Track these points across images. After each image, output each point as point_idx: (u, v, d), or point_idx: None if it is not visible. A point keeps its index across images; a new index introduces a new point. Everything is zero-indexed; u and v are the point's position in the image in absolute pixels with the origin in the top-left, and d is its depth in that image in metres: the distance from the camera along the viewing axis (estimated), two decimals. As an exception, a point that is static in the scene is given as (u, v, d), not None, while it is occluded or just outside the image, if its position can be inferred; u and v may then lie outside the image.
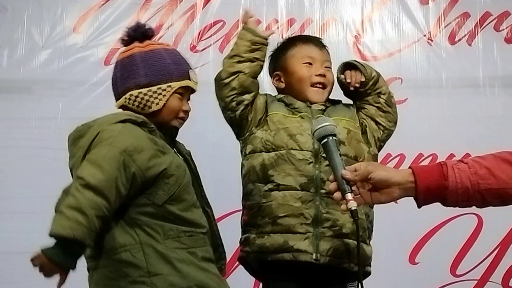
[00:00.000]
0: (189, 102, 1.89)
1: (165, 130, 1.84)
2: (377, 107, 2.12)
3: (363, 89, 2.10)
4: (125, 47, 1.89)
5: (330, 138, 1.52)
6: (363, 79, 2.09)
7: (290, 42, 2.20)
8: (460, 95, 3.13)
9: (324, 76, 2.10)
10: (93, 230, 1.60)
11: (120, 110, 1.86)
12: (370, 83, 2.10)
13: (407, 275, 2.96)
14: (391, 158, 3.06)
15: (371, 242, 2.09)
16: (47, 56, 3.13)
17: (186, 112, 1.87)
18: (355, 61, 2.18)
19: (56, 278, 1.64)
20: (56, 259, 1.59)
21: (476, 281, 2.98)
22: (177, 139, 1.93)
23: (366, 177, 1.45)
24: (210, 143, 2.93)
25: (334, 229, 1.94)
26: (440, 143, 3.05)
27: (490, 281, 2.98)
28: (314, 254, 1.93)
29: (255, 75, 2.08)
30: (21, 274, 2.89)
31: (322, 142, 1.54)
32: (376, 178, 1.44)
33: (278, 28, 3.17)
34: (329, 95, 2.15)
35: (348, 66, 2.14)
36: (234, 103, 2.06)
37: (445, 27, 3.18)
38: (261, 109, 2.07)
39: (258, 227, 2.00)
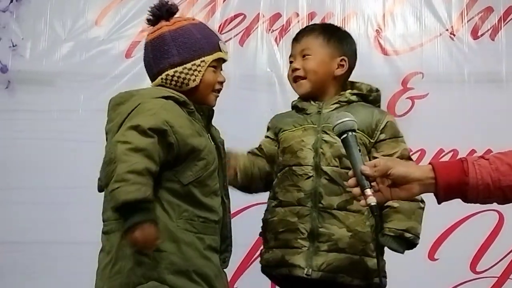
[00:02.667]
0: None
1: (203, 111, 1.85)
2: None
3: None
4: (153, 28, 1.89)
5: (350, 133, 1.51)
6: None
7: None
8: (482, 90, 3.09)
9: (298, 69, 2.07)
10: (152, 186, 1.62)
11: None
12: None
13: (426, 271, 2.94)
14: (411, 153, 3.02)
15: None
16: (69, 48, 3.16)
17: (222, 83, 1.89)
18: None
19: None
20: (143, 218, 1.59)
21: (496, 279, 2.95)
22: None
23: (385, 173, 1.44)
24: (228, 137, 2.92)
25: (329, 243, 1.93)
26: (461, 139, 3.02)
27: (511, 279, 2.95)
28: (306, 269, 1.93)
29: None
30: (40, 264, 2.95)
31: (342, 138, 1.52)
32: (396, 174, 1.43)
33: (298, 22, 3.16)
34: (317, 81, 2.07)
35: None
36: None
37: (468, 21, 3.14)
38: (274, 148, 2.09)
39: (266, 241, 2.05)
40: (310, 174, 1.98)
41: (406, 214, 1.94)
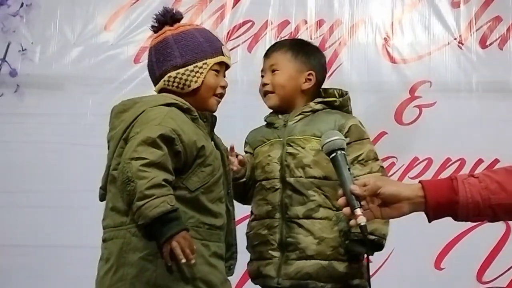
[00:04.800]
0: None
1: (206, 118, 1.86)
2: None
3: None
4: (156, 33, 1.91)
5: (339, 152, 1.50)
6: None
7: None
8: (490, 100, 3.09)
9: (266, 84, 2.13)
10: (173, 194, 1.65)
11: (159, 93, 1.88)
12: None
13: (432, 280, 2.94)
14: (418, 162, 3.04)
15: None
16: (78, 53, 3.18)
17: (224, 88, 1.90)
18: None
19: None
20: (177, 229, 1.62)
21: (503, 288, 2.95)
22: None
23: (375, 192, 1.43)
24: (237, 142, 2.93)
25: (297, 252, 2.00)
26: (469, 148, 3.01)
27: (517, 289, 2.94)
28: (276, 279, 2.01)
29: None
30: (50, 267, 2.96)
31: (331, 157, 1.53)
32: (386, 193, 1.43)
33: (307, 29, 3.17)
34: (285, 96, 2.12)
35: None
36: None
37: (476, 30, 3.15)
38: (252, 164, 2.13)
39: (249, 255, 2.12)
40: (277, 187, 2.05)
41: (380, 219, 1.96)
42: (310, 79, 2.13)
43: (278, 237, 2.02)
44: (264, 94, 2.15)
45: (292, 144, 2.06)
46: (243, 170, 2.07)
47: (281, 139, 2.09)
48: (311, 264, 1.99)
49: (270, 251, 2.02)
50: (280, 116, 2.14)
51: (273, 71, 2.13)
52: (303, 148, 2.04)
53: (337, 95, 2.15)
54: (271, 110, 2.18)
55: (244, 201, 2.15)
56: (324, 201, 2.02)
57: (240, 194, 2.09)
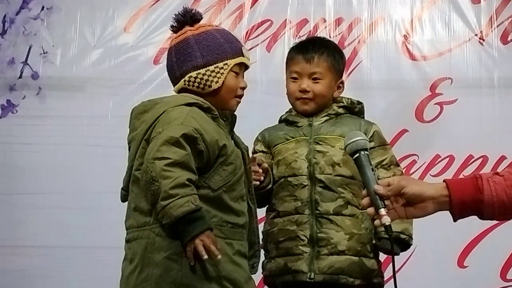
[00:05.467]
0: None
1: (226, 117, 1.86)
2: None
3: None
4: (177, 33, 1.91)
5: (362, 152, 1.50)
6: None
7: (289, 51, 2.23)
8: (513, 96, 3.06)
9: (307, 91, 2.13)
10: (197, 194, 1.66)
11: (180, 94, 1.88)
12: None
13: (455, 278, 2.91)
14: (440, 159, 3.02)
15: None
16: (98, 55, 3.20)
17: (243, 89, 1.90)
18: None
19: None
20: (201, 228, 1.63)
21: (527, 286, 2.91)
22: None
23: (399, 192, 1.43)
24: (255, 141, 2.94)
25: (329, 247, 2.02)
26: (491, 145, 2.99)
27: (542, 287, 2.91)
28: (309, 273, 2.01)
29: None
30: (71, 268, 2.98)
31: (354, 157, 1.52)
32: (410, 193, 1.42)
33: (326, 27, 3.16)
34: (323, 103, 2.15)
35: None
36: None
37: (497, 26, 3.11)
38: (270, 162, 2.14)
39: (268, 252, 2.11)
40: (305, 184, 2.07)
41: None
42: (340, 87, 2.19)
43: (308, 233, 2.03)
44: (300, 99, 2.14)
45: (321, 142, 2.09)
46: (268, 178, 2.09)
47: (308, 137, 2.11)
48: (343, 259, 2.02)
49: (300, 247, 2.03)
50: (302, 115, 2.16)
51: (315, 79, 2.14)
52: (332, 146, 2.07)
53: (349, 102, 2.19)
54: (289, 109, 2.19)
55: (264, 205, 2.16)
56: (352, 198, 2.05)
57: (262, 200, 2.11)
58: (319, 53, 2.15)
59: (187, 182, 1.64)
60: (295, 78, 2.15)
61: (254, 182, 1.97)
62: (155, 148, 1.67)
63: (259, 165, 2.04)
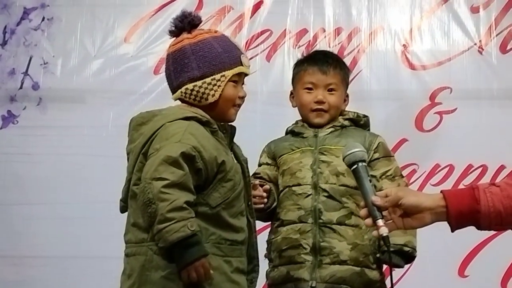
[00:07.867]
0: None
1: (225, 129, 1.85)
2: None
3: None
4: (174, 40, 1.88)
5: (360, 164, 1.51)
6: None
7: (300, 63, 2.24)
8: (512, 105, 3.07)
9: (323, 102, 2.15)
10: (194, 216, 1.65)
11: (178, 102, 1.87)
12: None
13: (456, 288, 2.91)
14: (440, 168, 3.02)
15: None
16: (99, 65, 3.21)
17: (242, 98, 1.87)
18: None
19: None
20: (197, 255, 1.63)
21: (528, 296, 2.91)
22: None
23: (396, 203, 1.44)
24: (257, 151, 2.94)
25: (331, 256, 2.03)
26: (491, 154, 2.99)
27: (543, 296, 2.90)
28: (311, 282, 2.02)
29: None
30: (73, 278, 2.98)
31: (352, 168, 1.53)
32: (407, 204, 1.43)
33: (325, 37, 3.17)
34: (335, 115, 2.18)
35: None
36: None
37: (496, 35, 3.12)
38: (276, 173, 2.17)
39: (271, 261, 2.13)
40: (309, 193, 2.08)
41: (402, 229, 1.98)
42: (345, 100, 2.23)
43: (311, 241, 2.04)
44: (316, 110, 2.16)
45: (325, 152, 2.11)
46: (272, 197, 2.10)
47: (313, 148, 2.13)
48: (345, 269, 2.03)
49: (302, 255, 2.04)
50: (308, 127, 2.18)
51: (330, 90, 2.16)
52: (337, 157, 2.07)
53: (353, 115, 2.21)
54: (288, 120, 2.21)
55: (269, 220, 2.18)
56: (356, 209, 2.05)
57: (265, 218, 2.13)
58: (333, 65, 2.19)
59: (184, 205, 1.62)
60: (310, 89, 2.16)
61: (258, 206, 1.98)
62: (153, 168, 1.65)
63: (262, 185, 2.05)
